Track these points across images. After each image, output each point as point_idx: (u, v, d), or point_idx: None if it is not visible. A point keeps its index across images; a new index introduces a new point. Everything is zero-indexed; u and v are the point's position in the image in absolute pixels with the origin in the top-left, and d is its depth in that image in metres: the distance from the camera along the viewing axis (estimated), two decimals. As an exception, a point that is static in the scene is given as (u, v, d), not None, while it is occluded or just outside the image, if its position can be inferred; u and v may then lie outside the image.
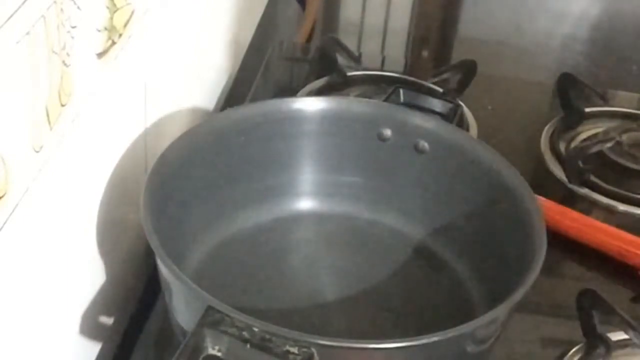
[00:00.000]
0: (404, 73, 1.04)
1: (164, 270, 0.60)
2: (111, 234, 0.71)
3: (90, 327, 0.69)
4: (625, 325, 0.70)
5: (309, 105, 0.76)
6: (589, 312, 0.71)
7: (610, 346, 0.69)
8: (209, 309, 0.54)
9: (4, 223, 0.50)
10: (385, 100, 0.91)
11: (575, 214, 0.83)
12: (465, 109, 0.95)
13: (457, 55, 1.24)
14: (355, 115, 0.76)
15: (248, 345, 0.52)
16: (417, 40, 1.31)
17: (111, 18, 0.62)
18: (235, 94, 1.02)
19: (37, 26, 0.49)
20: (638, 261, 0.79)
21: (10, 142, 0.49)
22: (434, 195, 0.75)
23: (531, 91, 1.07)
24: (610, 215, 0.86)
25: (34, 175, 0.53)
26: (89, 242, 0.67)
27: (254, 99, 0.98)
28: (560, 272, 0.81)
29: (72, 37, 0.55)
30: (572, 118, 0.98)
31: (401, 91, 0.93)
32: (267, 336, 0.53)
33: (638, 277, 0.78)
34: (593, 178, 0.89)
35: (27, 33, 0.48)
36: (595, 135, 0.96)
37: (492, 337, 0.62)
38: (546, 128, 0.97)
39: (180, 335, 0.62)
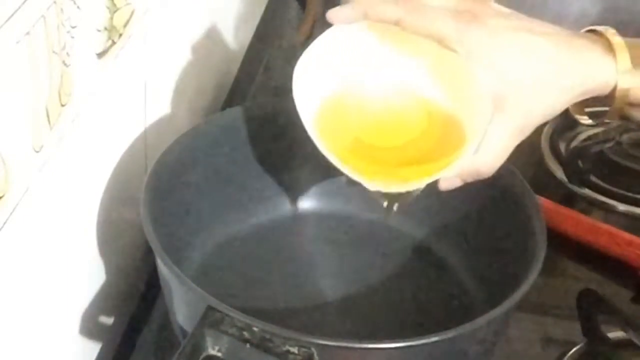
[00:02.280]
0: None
1: (164, 270, 0.60)
2: (111, 234, 0.71)
3: (90, 327, 0.69)
4: (625, 325, 0.70)
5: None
6: (589, 312, 0.71)
7: (610, 346, 0.69)
8: (209, 309, 0.54)
9: (4, 223, 0.50)
10: (385, 100, 0.91)
11: (575, 214, 0.83)
12: (465, 109, 0.95)
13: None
14: (355, 115, 0.76)
15: (248, 345, 0.52)
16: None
17: (111, 18, 0.62)
18: (235, 94, 1.02)
19: (37, 26, 0.49)
20: (638, 261, 0.79)
21: (10, 142, 0.49)
22: (434, 196, 0.75)
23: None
24: (610, 215, 0.86)
25: (34, 175, 0.53)
26: (89, 242, 0.67)
27: (254, 99, 0.98)
28: (560, 272, 0.81)
29: (72, 37, 0.55)
30: (572, 118, 0.98)
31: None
32: (267, 336, 0.53)
33: (638, 277, 0.78)
34: (593, 178, 0.89)
35: (27, 33, 0.49)
36: (595, 135, 0.96)
37: (492, 337, 0.62)
38: (546, 128, 0.97)
39: (180, 335, 0.62)
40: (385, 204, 0.64)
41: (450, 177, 0.60)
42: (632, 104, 0.61)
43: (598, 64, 0.60)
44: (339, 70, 0.62)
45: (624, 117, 0.63)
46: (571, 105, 0.63)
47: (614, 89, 0.60)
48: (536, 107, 0.60)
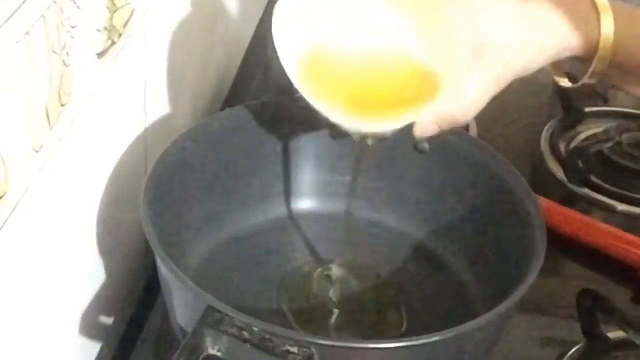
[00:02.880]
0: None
1: (164, 270, 0.60)
2: (111, 234, 0.71)
3: (90, 327, 0.69)
4: (625, 325, 0.70)
5: (309, 105, 0.76)
6: (589, 312, 0.71)
7: (610, 346, 0.69)
8: (209, 309, 0.54)
9: (4, 223, 0.50)
10: (385, 100, 0.91)
11: (575, 214, 0.83)
12: (465, 109, 0.95)
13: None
14: (355, 115, 0.76)
15: (248, 345, 0.52)
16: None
17: (111, 18, 0.62)
18: (235, 94, 1.02)
19: (37, 26, 0.49)
20: (638, 261, 0.79)
21: (10, 142, 0.49)
22: (434, 196, 0.75)
23: (531, 91, 1.07)
24: (610, 215, 0.86)
25: (34, 175, 0.53)
26: (89, 242, 0.67)
27: (254, 99, 0.98)
28: (560, 272, 0.81)
29: (72, 37, 0.55)
30: (572, 118, 0.98)
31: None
32: (267, 336, 0.53)
33: (638, 277, 0.78)
34: (593, 178, 0.89)
35: (27, 33, 0.49)
36: (595, 135, 0.96)
37: (492, 337, 0.62)
38: (546, 128, 0.97)
39: (180, 335, 0.62)
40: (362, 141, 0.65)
41: (425, 122, 0.61)
42: (613, 66, 0.61)
43: (581, 24, 0.60)
44: (320, 15, 0.63)
45: (605, 80, 0.63)
46: (552, 65, 0.62)
47: (596, 50, 0.60)
48: (514, 60, 0.60)
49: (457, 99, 0.60)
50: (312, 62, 0.62)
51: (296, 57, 0.62)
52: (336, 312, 0.70)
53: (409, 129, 0.74)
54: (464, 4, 0.59)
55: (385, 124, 0.62)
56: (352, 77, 0.63)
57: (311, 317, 0.69)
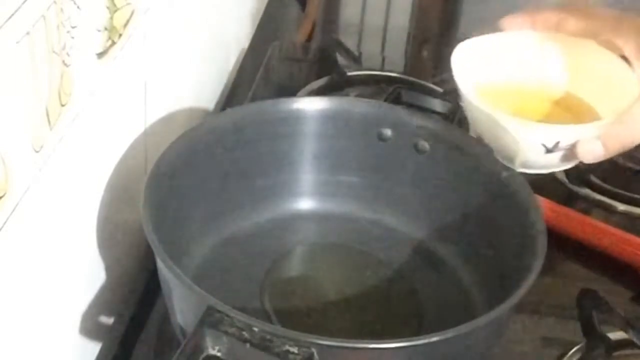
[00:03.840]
0: (404, 73, 1.04)
1: (164, 270, 0.60)
2: (111, 234, 0.71)
3: (90, 327, 0.69)
4: (625, 325, 0.70)
5: (309, 105, 0.76)
6: (589, 312, 0.71)
7: (610, 346, 0.69)
8: (209, 309, 0.54)
9: (4, 223, 0.50)
10: (385, 100, 0.91)
11: (575, 214, 0.83)
12: (466, 109, 0.95)
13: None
14: (355, 115, 0.76)
15: (248, 345, 0.52)
16: (417, 40, 1.31)
17: (111, 18, 0.62)
18: (235, 94, 1.02)
19: (37, 26, 0.50)
20: (638, 261, 0.79)
21: (10, 142, 0.49)
22: (434, 195, 0.75)
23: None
24: (610, 215, 0.86)
25: (34, 175, 0.53)
26: (89, 242, 0.67)
27: (254, 99, 0.98)
28: (560, 272, 0.80)
29: (72, 37, 0.55)
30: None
31: (401, 91, 0.93)
32: (267, 336, 0.53)
33: (638, 277, 0.78)
34: (593, 178, 0.89)
35: (27, 33, 0.49)
36: (595, 135, 0.96)
37: (492, 337, 0.62)
38: (546, 128, 0.97)
39: (180, 335, 0.62)
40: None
41: (591, 141, 0.63)
42: None
43: None
44: (490, 56, 0.71)
45: None
46: None
47: None
48: None
49: (629, 119, 0.63)
50: (482, 90, 0.69)
51: (471, 86, 0.68)
52: (336, 312, 0.70)
53: (408, 129, 0.75)
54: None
55: (555, 132, 0.65)
56: (516, 105, 0.70)
57: (311, 317, 0.69)
